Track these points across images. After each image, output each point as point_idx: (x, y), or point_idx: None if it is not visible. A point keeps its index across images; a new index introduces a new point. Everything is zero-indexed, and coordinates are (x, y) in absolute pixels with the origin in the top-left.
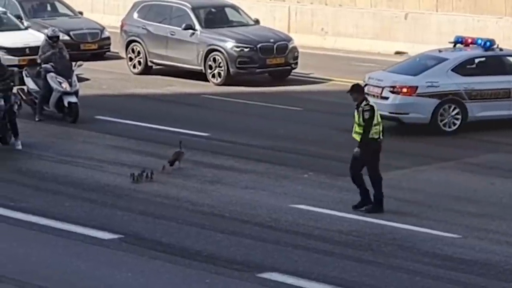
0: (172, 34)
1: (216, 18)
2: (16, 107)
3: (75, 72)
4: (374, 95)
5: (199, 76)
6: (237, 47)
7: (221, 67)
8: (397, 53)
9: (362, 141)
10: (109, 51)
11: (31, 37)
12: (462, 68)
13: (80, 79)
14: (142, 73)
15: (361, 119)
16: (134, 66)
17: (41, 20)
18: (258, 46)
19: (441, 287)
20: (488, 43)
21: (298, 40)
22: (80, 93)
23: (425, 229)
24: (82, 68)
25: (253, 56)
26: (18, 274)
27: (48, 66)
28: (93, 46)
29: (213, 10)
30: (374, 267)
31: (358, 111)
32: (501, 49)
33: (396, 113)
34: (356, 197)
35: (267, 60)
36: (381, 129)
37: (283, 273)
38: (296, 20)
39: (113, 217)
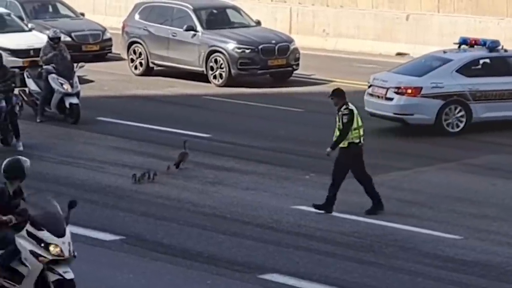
0: (173, 36)
1: (217, 19)
2: (17, 108)
3: (77, 73)
4: (378, 96)
5: (201, 77)
6: (239, 48)
7: (222, 68)
8: (399, 54)
9: (336, 144)
10: (110, 52)
11: (35, 38)
12: (467, 69)
13: (84, 81)
14: (143, 74)
15: (340, 123)
16: (136, 68)
17: (42, 21)
18: (260, 47)
19: None
20: (492, 44)
21: (300, 41)
22: (82, 94)
23: (427, 230)
24: (84, 70)
25: (254, 58)
26: None
27: (49, 67)
28: (95, 48)
29: (214, 11)
30: (375, 268)
31: (338, 115)
32: (505, 50)
33: (400, 114)
34: (356, 198)
35: (268, 61)
36: (361, 133)
37: (285, 274)
38: (297, 21)
39: (114, 218)
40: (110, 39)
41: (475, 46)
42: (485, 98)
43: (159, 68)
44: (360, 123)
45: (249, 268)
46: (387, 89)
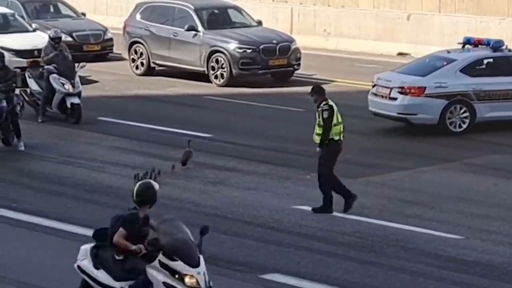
0: (174, 35)
1: (218, 19)
2: (18, 108)
3: (80, 74)
4: (382, 96)
5: (202, 77)
6: (240, 48)
7: (223, 68)
8: (400, 54)
9: (321, 141)
10: (111, 52)
11: (39, 39)
12: (471, 69)
13: (88, 81)
14: (144, 74)
15: (320, 119)
16: (137, 67)
17: (43, 21)
18: (261, 47)
19: None
20: (496, 44)
21: (301, 41)
22: (83, 94)
23: (428, 230)
24: (86, 69)
25: (255, 57)
26: (20, 275)
27: (50, 67)
28: (96, 48)
29: (215, 11)
30: (376, 268)
31: (318, 112)
32: (509, 50)
33: (404, 114)
34: (360, 198)
35: (269, 61)
36: (341, 130)
37: (286, 274)
38: (298, 21)
39: None
40: (111, 39)
41: (479, 46)
42: (489, 98)
43: (160, 68)
44: (340, 120)
45: (250, 268)
46: (391, 89)
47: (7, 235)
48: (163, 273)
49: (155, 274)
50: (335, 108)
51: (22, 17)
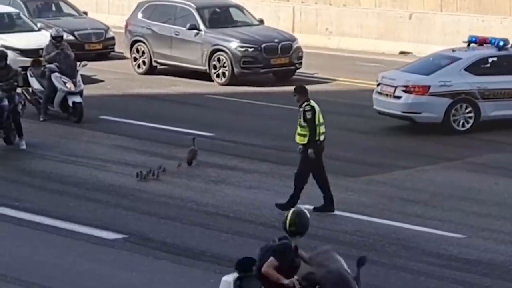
0: (176, 34)
1: (220, 18)
2: (20, 107)
3: (86, 73)
4: (387, 95)
5: (204, 76)
6: (242, 47)
7: (225, 67)
8: (402, 53)
9: (309, 141)
10: (113, 51)
11: (44, 38)
12: (475, 68)
13: (93, 80)
14: (146, 73)
15: (301, 119)
16: (139, 66)
17: (45, 20)
18: (263, 46)
19: (446, 287)
20: (501, 43)
21: (303, 40)
22: (85, 93)
23: (430, 229)
24: (89, 68)
25: (257, 56)
26: (22, 273)
27: (52, 66)
28: (98, 46)
29: (217, 10)
30: (378, 267)
31: (299, 112)
32: None
33: (408, 113)
34: (361, 197)
35: (271, 60)
36: (322, 131)
37: None
38: (300, 20)
39: (117, 217)
40: (113, 38)
41: (484, 45)
42: (494, 97)
43: (162, 66)
44: (321, 120)
45: None
46: (395, 87)
47: (9, 234)
48: None
49: None
50: (317, 108)
51: (24, 15)
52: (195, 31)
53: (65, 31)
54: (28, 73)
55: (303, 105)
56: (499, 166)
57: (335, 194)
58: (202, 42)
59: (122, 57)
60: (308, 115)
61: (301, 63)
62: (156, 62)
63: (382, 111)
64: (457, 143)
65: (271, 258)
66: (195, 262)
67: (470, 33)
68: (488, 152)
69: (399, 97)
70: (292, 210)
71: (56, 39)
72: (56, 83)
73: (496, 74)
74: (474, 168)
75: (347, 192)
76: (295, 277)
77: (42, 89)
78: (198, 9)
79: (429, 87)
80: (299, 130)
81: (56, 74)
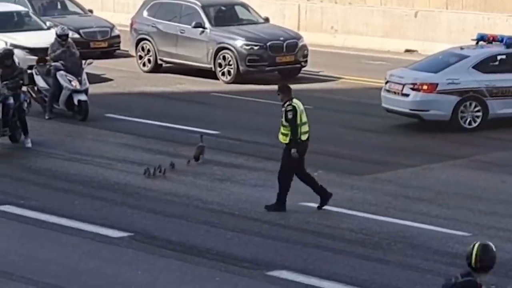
0: (182, 32)
1: (226, 16)
2: (25, 105)
3: (95, 72)
4: (395, 92)
5: (209, 74)
6: (247, 45)
7: (230, 65)
8: (407, 51)
9: (291, 141)
10: (119, 49)
11: (53, 37)
12: (484, 65)
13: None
14: (152, 71)
15: (283, 119)
16: (144, 64)
17: (51, 18)
18: (268, 44)
19: None
20: (510, 41)
21: (308, 38)
22: (90, 91)
23: (435, 227)
24: (95, 67)
25: (262, 54)
26: (28, 271)
27: (58, 64)
28: (103, 44)
29: (223, 8)
30: (384, 265)
31: (282, 111)
32: None
33: (416, 110)
34: (366, 195)
35: (276, 58)
36: (304, 130)
37: (293, 271)
38: (306, 18)
39: (122, 215)
40: (118, 36)
41: (493, 43)
42: (502, 94)
43: (167, 65)
44: (303, 120)
45: (257, 264)
46: (403, 85)
47: (14, 232)
48: None
49: None
50: (300, 108)
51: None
52: (201, 29)
53: (70, 29)
54: (34, 71)
55: (285, 105)
56: (506, 164)
57: (341, 192)
58: (207, 40)
59: (127, 55)
60: (289, 115)
61: (306, 61)
62: (161, 60)
63: (390, 109)
64: (464, 141)
65: None
66: (200, 260)
67: (476, 31)
68: (495, 150)
69: (407, 95)
70: (477, 244)
71: (62, 37)
72: (62, 81)
73: (505, 72)
74: (480, 166)
75: (353, 190)
76: None
77: (48, 87)
78: (204, 7)
79: (437, 84)
80: (282, 129)
81: (62, 72)
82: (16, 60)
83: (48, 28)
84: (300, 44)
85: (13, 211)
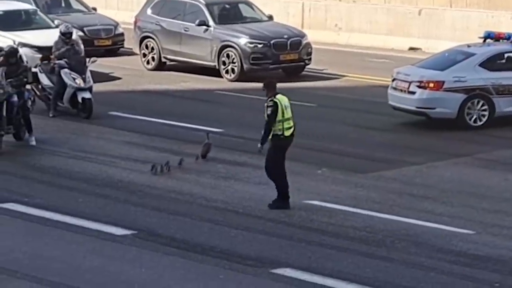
0: (185, 30)
1: (230, 14)
2: (29, 103)
3: (96, 69)
4: (401, 90)
5: (213, 72)
6: (251, 43)
7: (234, 63)
8: (411, 49)
9: (262, 138)
10: (123, 47)
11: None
12: (490, 63)
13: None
14: (155, 69)
15: (265, 114)
16: (148, 62)
17: (55, 16)
18: (272, 42)
19: (455, 283)
20: None
21: (312, 36)
22: (95, 89)
23: (439, 225)
24: (101, 65)
25: (266, 52)
26: (32, 269)
27: (62, 62)
28: (107, 42)
29: (227, 6)
30: (387, 263)
31: (264, 107)
32: None
33: (423, 108)
34: (370, 193)
35: (280, 56)
36: (286, 126)
37: (297, 269)
38: (309, 16)
39: (126, 213)
40: (122, 34)
41: (501, 40)
42: (509, 92)
43: (171, 63)
44: (286, 116)
45: (261, 262)
46: (410, 83)
47: (18, 230)
48: None
49: None
50: (282, 104)
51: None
52: (205, 27)
53: (74, 27)
54: (38, 69)
55: (267, 100)
56: (510, 163)
57: (345, 190)
58: (211, 38)
59: (131, 53)
60: (269, 111)
61: (310, 59)
62: (165, 58)
63: (397, 107)
64: (468, 139)
65: None
66: (204, 258)
67: (480, 29)
68: (499, 148)
69: (413, 93)
70: None
71: (66, 35)
72: (66, 79)
73: (511, 70)
74: (484, 164)
75: (357, 188)
76: None
77: (52, 85)
78: (208, 5)
79: (443, 82)
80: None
81: (66, 70)
82: (24, 58)
83: (56, 27)
84: (304, 42)
85: (17, 209)
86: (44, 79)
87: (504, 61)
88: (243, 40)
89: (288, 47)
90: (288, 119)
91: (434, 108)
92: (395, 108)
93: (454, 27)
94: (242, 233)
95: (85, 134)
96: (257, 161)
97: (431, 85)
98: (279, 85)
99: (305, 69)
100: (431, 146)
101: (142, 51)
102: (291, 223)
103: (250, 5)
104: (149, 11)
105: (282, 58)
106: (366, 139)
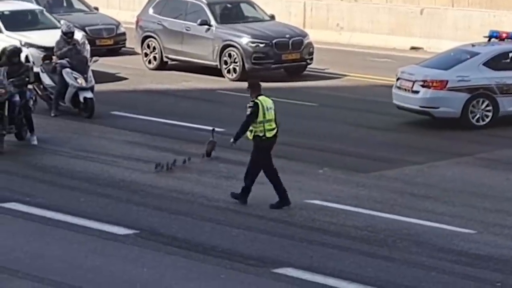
0: (187, 30)
1: (231, 14)
2: (31, 102)
3: (98, 69)
4: (405, 89)
5: (215, 71)
6: (253, 42)
7: (236, 62)
8: (413, 48)
9: (236, 135)
10: (124, 46)
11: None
12: (494, 62)
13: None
14: (157, 68)
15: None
16: (150, 62)
17: (57, 15)
18: (274, 41)
19: (457, 283)
20: None
21: (314, 35)
22: (96, 88)
23: (440, 225)
24: (100, 64)
25: (268, 52)
26: (33, 269)
27: (63, 61)
28: (109, 42)
29: (228, 5)
30: (389, 262)
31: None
32: None
33: (426, 107)
34: (372, 192)
35: (282, 55)
36: (268, 127)
37: (298, 268)
38: (311, 15)
39: (128, 213)
40: (124, 34)
41: (506, 40)
42: None
43: (173, 62)
44: (267, 117)
45: (263, 262)
46: (414, 82)
47: (20, 229)
48: None
49: None
50: (264, 105)
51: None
52: (206, 26)
53: (76, 27)
54: (40, 68)
55: (250, 101)
56: (511, 162)
57: (346, 189)
58: (213, 37)
59: (133, 53)
60: (248, 111)
61: (312, 59)
62: (167, 57)
63: (401, 106)
64: (470, 138)
65: None
66: (206, 258)
67: (482, 29)
68: (501, 148)
69: (417, 92)
70: None
71: (67, 35)
72: (67, 79)
73: None
74: (485, 164)
75: (358, 187)
76: None
77: (53, 84)
78: (209, 5)
79: (447, 81)
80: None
81: (67, 69)
82: (31, 59)
83: None
84: (305, 41)
85: (18, 208)
86: (46, 79)
87: (508, 60)
88: (245, 40)
89: (290, 47)
90: (270, 120)
91: (437, 108)
92: (399, 107)
93: (456, 26)
94: (244, 233)
95: (86, 133)
96: None
97: (435, 84)
98: (281, 84)
99: (307, 69)
100: (432, 145)
101: (144, 51)
102: (292, 223)
103: (252, 4)
104: (150, 11)
105: (284, 58)
106: (367, 139)
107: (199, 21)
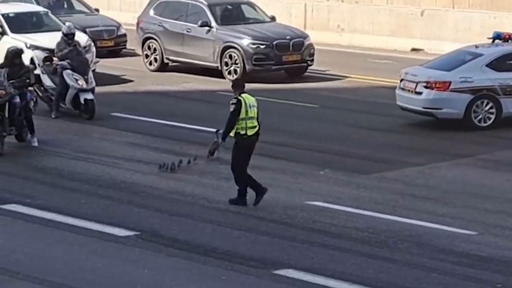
0: (188, 31)
1: (232, 15)
2: (32, 104)
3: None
4: (409, 90)
5: (215, 73)
6: (253, 44)
7: (237, 64)
8: (413, 50)
9: (224, 134)
10: (125, 48)
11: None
12: (497, 64)
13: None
14: (158, 70)
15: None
16: (150, 63)
17: (57, 17)
18: (274, 43)
19: (458, 284)
20: None
21: (314, 37)
22: (97, 90)
23: (441, 226)
24: (100, 66)
25: (269, 53)
26: (34, 271)
27: (64, 63)
28: (110, 43)
29: (229, 7)
30: (390, 264)
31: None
32: None
33: (429, 108)
34: (373, 194)
35: (283, 57)
36: (249, 125)
37: (299, 270)
38: (312, 17)
39: (129, 214)
40: (124, 35)
41: (510, 41)
42: None
43: (173, 64)
44: (249, 115)
45: (263, 263)
46: (417, 83)
47: (20, 231)
48: None
49: None
50: (247, 102)
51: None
52: (207, 28)
53: (77, 28)
54: (40, 70)
55: (233, 98)
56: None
57: (347, 191)
58: (213, 39)
59: (133, 54)
60: (231, 108)
61: (313, 60)
62: (167, 59)
63: (405, 107)
64: (471, 139)
65: None
66: (206, 259)
67: (482, 30)
68: (502, 149)
69: (420, 93)
70: None
71: (68, 36)
72: (68, 80)
73: None
74: (486, 165)
75: (359, 189)
76: None
77: (54, 86)
78: (210, 6)
79: (450, 83)
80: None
81: (68, 71)
82: (36, 61)
83: None
84: (306, 43)
85: (19, 210)
86: (46, 80)
87: (511, 61)
88: (245, 41)
89: (291, 48)
90: (251, 118)
91: (441, 109)
92: (402, 108)
93: (456, 28)
94: (245, 234)
95: (87, 135)
96: (259, 162)
97: (438, 85)
98: (281, 85)
99: (308, 70)
100: (433, 147)
101: (145, 52)
102: (293, 224)
103: (252, 6)
104: (151, 12)
105: (284, 59)
106: (368, 140)
107: (199, 22)
